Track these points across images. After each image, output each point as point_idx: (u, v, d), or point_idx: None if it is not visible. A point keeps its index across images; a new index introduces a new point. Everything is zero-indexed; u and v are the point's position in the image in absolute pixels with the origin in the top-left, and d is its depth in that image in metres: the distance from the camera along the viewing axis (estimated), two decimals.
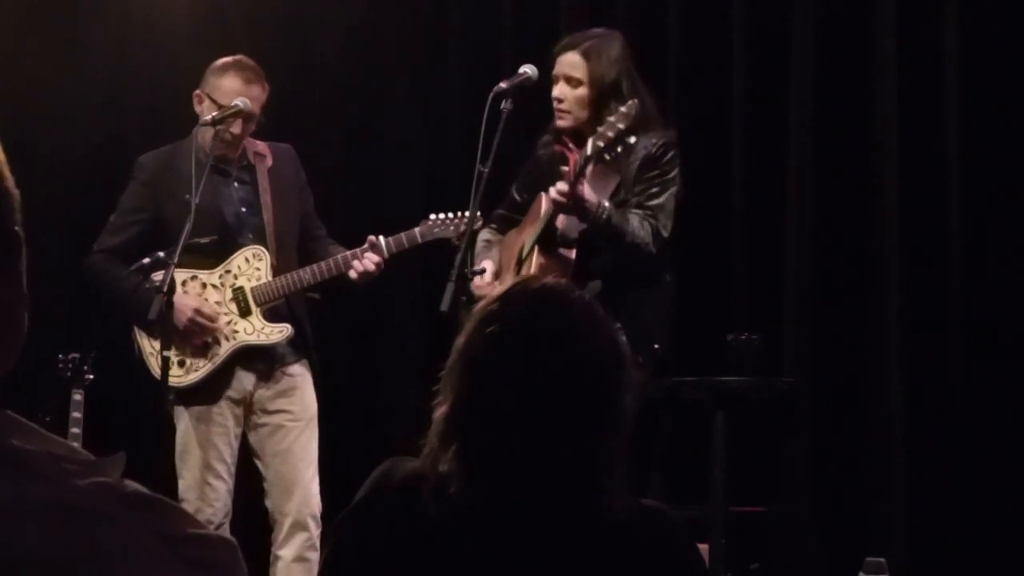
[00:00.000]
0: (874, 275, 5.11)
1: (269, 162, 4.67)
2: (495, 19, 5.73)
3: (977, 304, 4.97)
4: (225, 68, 4.57)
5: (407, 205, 5.69)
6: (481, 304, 1.90)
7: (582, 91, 4.23)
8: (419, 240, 4.55)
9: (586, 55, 4.26)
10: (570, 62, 4.26)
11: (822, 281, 5.17)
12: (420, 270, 5.35)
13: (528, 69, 4.22)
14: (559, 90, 4.25)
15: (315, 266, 4.54)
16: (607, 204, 4.08)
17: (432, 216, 4.56)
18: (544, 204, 4.20)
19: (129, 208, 4.63)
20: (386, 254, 4.53)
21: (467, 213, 4.12)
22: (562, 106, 4.24)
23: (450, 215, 4.53)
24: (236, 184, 4.62)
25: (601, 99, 4.18)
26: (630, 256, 4.11)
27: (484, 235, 4.47)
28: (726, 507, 4.61)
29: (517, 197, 4.48)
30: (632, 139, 3.97)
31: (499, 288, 1.94)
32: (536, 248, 4.18)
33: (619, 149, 3.99)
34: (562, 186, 4.01)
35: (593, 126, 4.13)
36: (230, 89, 4.52)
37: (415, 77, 5.86)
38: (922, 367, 4.99)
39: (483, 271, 4.32)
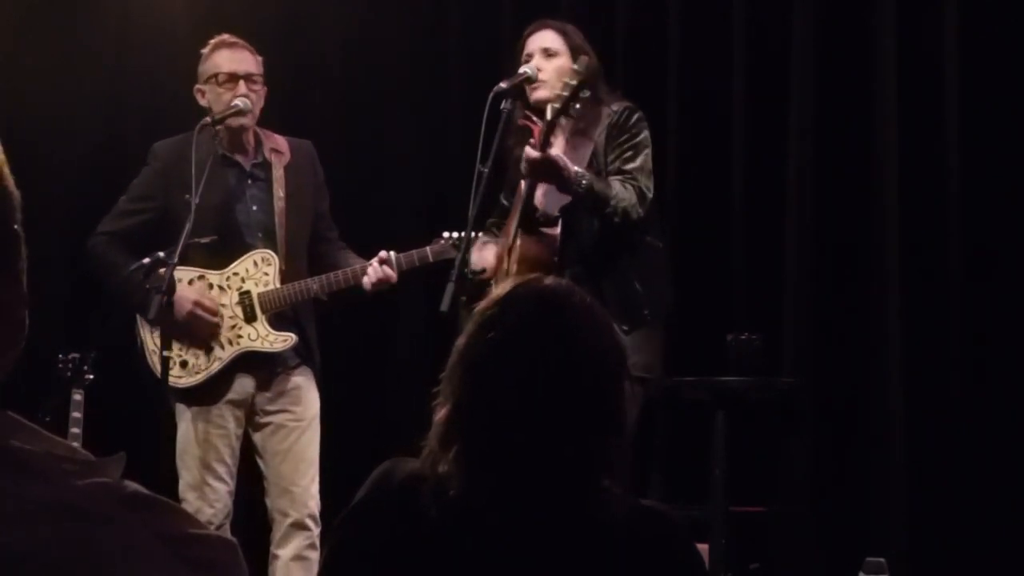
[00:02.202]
0: (874, 275, 5.11)
1: (287, 159, 4.63)
2: (495, 19, 5.73)
3: (977, 304, 4.97)
4: (209, 51, 4.58)
5: (407, 206, 5.69)
6: (481, 306, 1.90)
7: (561, 61, 4.23)
8: (430, 259, 4.50)
9: (561, 31, 4.29)
10: (545, 37, 4.28)
11: (822, 281, 5.17)
12: (423, 274, 5.34)
13: (528, 69, 4.23)
14: (536, 63, 4.25)
15: (324, 277, 4.51)
16: (585, 172, 4.05)
17: (445, 234, 4.52)
18: (522, 187, 4.19)
19: (139, 194, 4.61)
20: (395, 271, 4.50)
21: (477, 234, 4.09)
22: (541, 75, 4.24)
23: (463, 234, 4.50)
24: (250, 181, 4.58)
25: (584, 71, 4.19)
26: (618, 224, 4.08)
27: (481, 238, 4.46)
28: (726, 507, 4.61)
29: (505, 203, 4.48)
30: (587, 92, 3.97)
31: (498, 289, 1.93)
32: (519, 231, 4.15)
33: (577, 105, 3.99)
34: (530, 151, 3.99)
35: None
36: (219, 61, 4.53)
37: (415, 77, 5.85)
38: (922, 367, 4.99)
39: (483, 271, 4.31)
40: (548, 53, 4.24)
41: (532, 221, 4.13)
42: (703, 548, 4.37)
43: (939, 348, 4.98)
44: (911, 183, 5.06)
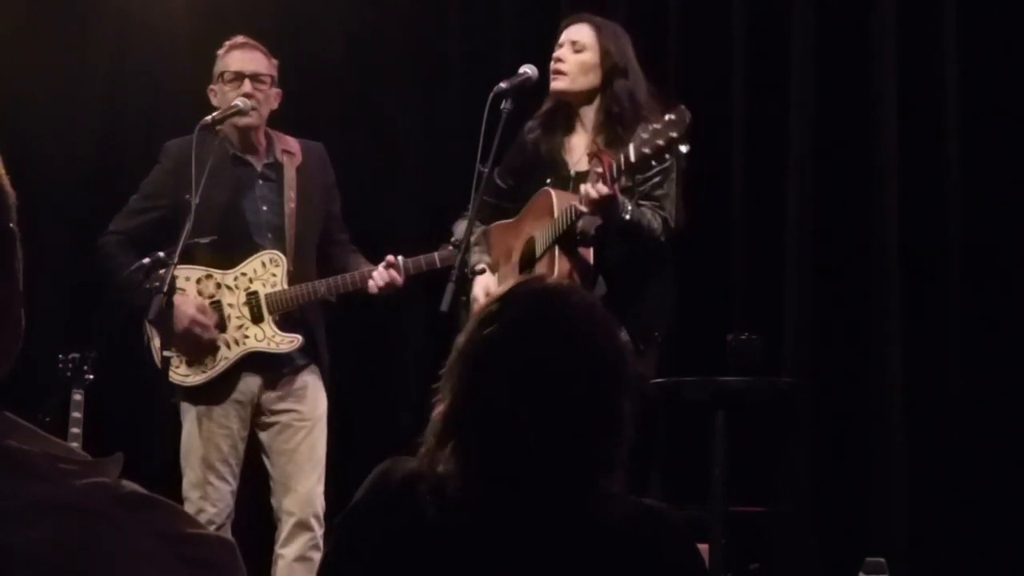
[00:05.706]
0: (874, 275, 5.10)
1: (299, 160, 4.63)
2: (495, 19, 5.73)
3: (977, 304, 4.97)
4: (223, 52, 4.60)
5: (407, 206, 5.69)
6: (482, 303, 1.91)
7: (587, 56, 4.20)
8: (438, 265, 4.47)
9: (597, 27, 4.25)
10: (579, 30, 4.25)
11: (822, 281, 5.16)
12: (425, 275, 5.33)
13: (528, 69, 4.21)
14: (560, 52, 4.23)
15: (331, 279, 4.50)
16: (627, 201, 4.02)
17: (454, 240, 4.51)
18: (557, 202, 4.12)
19: (150, 193, 4.62)
20: (402, 276, 4.48)
21: None
22: (560, 66, 4.21)
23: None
24: (261, 181, 4.59)
25: (608, 73, 4.17)
26: (642, 247, 4.08)
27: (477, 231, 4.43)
28: (726, 507, 4.60)
29: (501, 183, 4.39)
30: (684, 148, 3.82)
31: (500, 287, 1.94)
32: (556, 248, 4.11)
33: (667, 157, 3.91)
34: (603, 188, 3.88)
35: (591, 98, 4.14)
36: (229, 61, 4.55)
37: (415, 77, 5.85)
38: (922, 367, 4.99)
39: (484, 271, 4.31)
40: (576, 47, 4.22)
41: (572, 240, 4.10)
42: (703, 548, 4.37)
43: (939, 348, 4.98)
44: (911, 183, 5.06)
